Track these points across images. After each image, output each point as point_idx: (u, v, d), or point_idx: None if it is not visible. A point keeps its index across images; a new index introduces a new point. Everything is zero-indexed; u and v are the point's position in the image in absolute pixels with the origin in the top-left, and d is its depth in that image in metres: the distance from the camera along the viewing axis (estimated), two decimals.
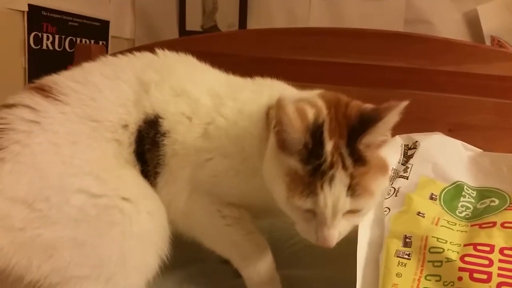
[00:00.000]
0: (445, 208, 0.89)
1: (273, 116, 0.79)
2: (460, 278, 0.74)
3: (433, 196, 0.91)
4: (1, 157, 0.78)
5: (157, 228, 0.87)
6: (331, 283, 0.79)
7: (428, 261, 0.78)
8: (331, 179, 0.73)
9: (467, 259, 0.76)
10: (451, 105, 1.38)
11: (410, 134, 1.03)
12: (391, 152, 1.00)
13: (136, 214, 0.84)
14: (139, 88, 0.91)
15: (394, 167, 0.98)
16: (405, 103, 0.74)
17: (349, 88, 1.45)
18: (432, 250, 0.79)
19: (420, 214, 0.85)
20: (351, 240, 0.86)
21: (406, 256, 0.80)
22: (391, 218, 0.87)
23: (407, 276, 0.78)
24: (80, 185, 0.80)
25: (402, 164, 0.99)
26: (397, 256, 0.80)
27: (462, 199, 0.90)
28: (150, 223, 0.86)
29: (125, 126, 0.89)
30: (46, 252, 0.78)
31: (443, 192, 0.92)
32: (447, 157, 0.98)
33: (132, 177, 0.89)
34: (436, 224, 0.84)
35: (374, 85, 1.43)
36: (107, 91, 0.90)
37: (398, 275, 0.78)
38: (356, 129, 0.75)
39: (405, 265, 0.79)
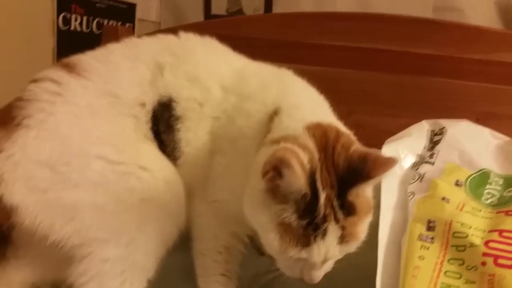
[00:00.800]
0: (471, 195, 0.88)
1: (265, 162, 0.72)
2: (483, 263, 0.74)
3: (459, 182, 0.90)
4: (27, 124, 0.83)
5: (175, 198, 0.89)
6: (351, 266, 0.79)
7: (452, 246, 0.78)
8: (324, 232, 0.72)
9: (491, 244, 0.76)
10: (479, 94, 1.36)
11: (438, 120, 1.02)
12: (416, 137, 1.00)
13: (153, 182, 0.86)
14: (155, 70, 0.94)
15: (420, 153, 0.98)
16: (396, 163, 0.74)
17: (375, 74, 1.45)
18: (456, 234, 0.79)
19: (444, 199, 0.85)
20: (372, 224, 0.87)
21: (429, 240, 0.80)
22: (415, 202, 0.87)
23: (429, 259, 0.78)
24: (99, 152, 0.84)
25: (428, 150, 0.99)
26: (420, 240, 0.80)
27: (488, 186, 0.90)
28: (168, 192, 0.88)
29: (142, 104, 0.91)
30: (68, 214, 0.82)
31: (469, 179, 0.91)
32: (474, 144, 0.97)
33: (151, 150, 0.91)
34: (461, 210, 0.83)
35: (401, 72, 1.42)
36: (126, 70, 0.93)
37: (421, 258, 0.78)
38: (344, 181, 0.73)
39: (428, 249, 0.79)
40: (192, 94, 0.92)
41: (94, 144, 0.85)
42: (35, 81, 0.89)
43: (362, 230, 0.76)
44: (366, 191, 0.77)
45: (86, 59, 0.94)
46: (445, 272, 0.76)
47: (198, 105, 0.93)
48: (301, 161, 0.71)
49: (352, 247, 0.76)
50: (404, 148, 0.97)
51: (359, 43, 1.43)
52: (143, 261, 0.86)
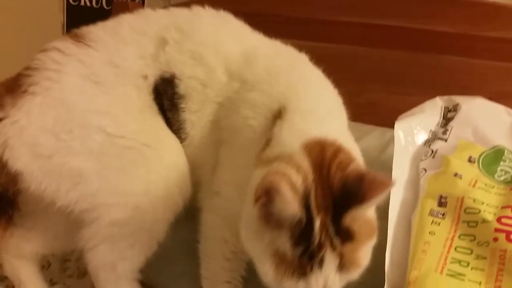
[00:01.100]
0: (484, 171, 0.87)
1: (256, 187, 0.66)
2: (495, 239, 0.73)
3: (472, 159, 0.89)
4: (33, 91, 0.85)
5: (180, 173, 0.90)
6: None
7: (463, 221, 0.77)
8: (321, 261, 0.67)
9: (504, 220, 0.75)
10: (493, 72, 1.32)
11: (452, 96, 1.00)
12: (429, 114, 0.98)
13: (156, 158, 0.87)
14: (159, 45, 0.93)
15: (433, 129, 0.96)
16: (393, 184, 0.67)
17: (387, 52, 1.43)
18: (467, 210, 0.78)
19: (457, 176, 0.84)
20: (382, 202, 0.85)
21: (441, 216, 0.79)
22: (427, 179, 0.86)
23: (440, 235, 0.77)
24: (99, 123, 0.85)
25: (441, 126, 0.97)
26: (431, 215, 0.80)
27: (501, 163, 0.88)
28: (172, 168, 0.89)
29: (145, 77, 0.91)
30: (73, 179, 0.84)
31: (482, 156, 0.89)
32: (489, 121, 0.96)
33: (155, 122, 0.91)
34: (473, 186, 0.82)
35: (414, 49, 1.38)
36: (132, 43, 0.93)
37: (431, 233, 0.77)
38: (339, 203, 0.66)
39: (439, 224, 0.78)
40: (195, 73, 0.91)
41: (95, 114, 0.86)
42: (43, 51, 0.90)
43: (363, 256, 0.70)
44: (366, 213, 0.70)
45: (95, 30, 0.94)
46: (456, 247, 0.76)
47: (201, 85, 0.90)
48: (293, 184, 0.65)
49: (354, 274, 0.70)
50: (417, 125, 0.95)
51: (372, 20, 1.40)
52: (151, 224, 0.87)
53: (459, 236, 0.76)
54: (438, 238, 0.77)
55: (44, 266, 1.12)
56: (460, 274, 0.72)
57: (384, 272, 0.78)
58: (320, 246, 0.66)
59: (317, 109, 0.83)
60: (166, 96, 0.91)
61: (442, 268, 0.73)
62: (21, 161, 0.83)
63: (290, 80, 0.87)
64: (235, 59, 0.92)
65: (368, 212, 0.70)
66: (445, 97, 1.00)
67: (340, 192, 0.67)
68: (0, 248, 1.03)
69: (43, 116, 0.83)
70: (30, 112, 0.83)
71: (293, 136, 0.75)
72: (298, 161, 0.69)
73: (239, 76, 0.90)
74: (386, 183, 0.66)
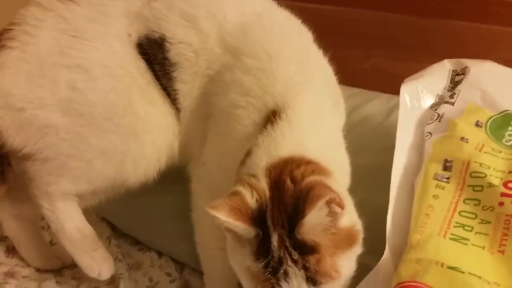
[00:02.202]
0: (491, 136, 0.84)
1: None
2: (501, 203, 0.71)
3: (479, 123, 0.86)
4: (11, 45, 0.86)
5: (151, 140, 0.90)
6: (361, 206, 0.77)
7: (468, 186, 0.76)
8: (285, 275, 0.67)
9: (511, 185, 0.73)
10: (504, 39, 1.29)
11: (461, 59, 0.97)
12: (436, 77, 0.95)
13: (123, 119, 0.87)
14: (146, 0, 0.90)
15: (440, 93, 0.93)
16: (325, 199, 0.64)
17: (394, 16, 1.38)
18: (473, 174, 0.76)
19: (463, 140, 0.81)
20: (383, 164, 0.83)
21: (445, 180, 0.77)
22: (432, 142, 0.84)
23: (444, 199, 0.75)
24: (68, 78, 0.85)
25: (448, 90, 0.94)
26: (436, 179, 0.78)
27: (510, 128, 0.85)
28: (144, 129, 0.89)
29: (129, 35, 0.89)
30: (42, 130, 0.86)
31: (490, 120, 0.87)
32: (498, 85, 0.92)
33: (137, 80, 0.88)
34: (480, 150, 0.80)
35: (422, 14, 1.35)
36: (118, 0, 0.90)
37: (435, 197, 0.75)
38: (292, 218, 0.66)
39: (443, 188, 0.76)
40: (187, 38, 0.86)
41: (66, 67, 0.86)
42: (26, 6, 0.90)
43: (340, 265, 0.68)
44: (337, 222, 0.68)
45: None
46: (460, 212, 0.74)
47: (193, 54, 0.86)
48: (243, 203, 0.67)
49: (332, 285, 0.68)
50: (424, 88, 0.93)
51: None
52: (101, 181, 0.90)
53: (463, 201, 0.74)
54: (442, 202, 0.75)
55: (44, 227, 1.12)
56: (464, 239, 0.71)
57: (385, 237, 0.76)
58: (281, 261, 0.66)
59: (310, 115, 0.80)
60: (156, 61, 0.88)
61: (445, 232, 0.72)
62: None
63: (291, 77, 0.82)
64: (232, 29, 0.86)
65: (342, 220, 0.69)
66: (454, 60, 0.97)
67: (292, 207, 0.67)
68: None
69: (17, 70, 0.85)
70: (5, 66, 0.85)
71: (262, 158, 0.75)
72: (254, 181, 0.70)
73: (234, 50, 0.84)
74: (320, 195, 0.63)
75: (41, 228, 1.12)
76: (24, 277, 1.04)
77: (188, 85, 0.88)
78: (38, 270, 1.06)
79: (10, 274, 1.04)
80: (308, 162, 0.72)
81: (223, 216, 0.65)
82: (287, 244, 0.67)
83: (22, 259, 1.07)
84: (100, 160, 0.88)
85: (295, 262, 0.66)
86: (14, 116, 0.85)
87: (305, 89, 0.82)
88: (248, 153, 0.78)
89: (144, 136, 0.89)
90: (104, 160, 0.89)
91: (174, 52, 0.87)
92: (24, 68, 0.85)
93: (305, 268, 0.66)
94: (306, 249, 0.66)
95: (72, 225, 0.93)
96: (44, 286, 1.01)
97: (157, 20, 0.87)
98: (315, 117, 0.81)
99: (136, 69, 0.88)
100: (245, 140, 0.81)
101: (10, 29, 0.88)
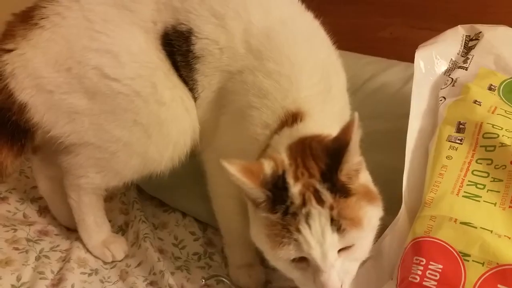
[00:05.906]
0: (504, 99, 0.86)
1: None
2: None
3: (492, 87, 0.88)
4: (42, 25, 0.88)
5: (168, 131, 0.91)
6: (377, 166, 0.80)
7: (481, 146, 0.78)
8: (307, 217, 0.68)
9: None
10: None
11: (474, 25, 0.98)
12: (450, 42, 0.96)
13: (145, 109, 0.89)
14: None
15: (453, 58, 0.95)
16: (357, 116, 0.67)
17: None
18: (486, 135, 0.79)
19: (476, 102, 0.84)
20: (400, 129, 0.86)
21: (458, 141, 0.80)
22: (446, 106, 0.86)
23: (457, 159, 0.78)
24: (97, 62, 0.87)
25: (461, 55, 0.96)
26: (449, 141, 0.81)
27: None
28: (166, 117, 0.90)
29: (155, 23, 0.90)
30: (69, 116, 0.89)
31: (503, 84, 0.88)
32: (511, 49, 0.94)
33: (160, 67, 0.89)
34: (493, 113, 0.82)
35: None
36: None
37: (449, 157, 0.78)
38: (329, 165, 0.70)
39: (456, 149, 0.79)
40: (215, 34, 0.86)
41: (95, 51, 0.87)
42: None
43: (360, 213, 0.69)
44: (357, 173, 0.71)
45: None
46: (473, 171, 0.77)
47: (218, 51, 0.87)
48: (258, 168, 0.71)
49: (354, 236, 0.68)
50: (437, 54, 0.94)
51: None
52: (122, 169, 0.94)
53: (476, 160, 0.77)
54: (455, 162, 0.78)
55: None
56: (476, 196, 0.74)
57: (400, 197, 0.80)
58: (304, 203, 0.69)
59: (328, 116, 0.83)
60: (180, 51, 0.88)
61: (459, 190, 0.75)
62: (25, 92, 0.88)
63: (315, 85, 0.83)
64: (256, 33, 0.86)
65: (361, 176, 0.73)
66: (467, 26, 0.98)
67: (326, 157, 0.71)
68: (34, 168, 1.10)
69: (48, 51, 0.87)
70: (37, 46, 0.87)
71: (285, 140, 0.78)
72: (275, 154, 0.75)
73: (258, 53, 0.85)
74: (350, 121, 0.68)
75: None
76: (56, 235, 1.10)
77: (208, 78, 0.89)
78: (68, 229, 1.11)
79: (44, 232, 1.09)
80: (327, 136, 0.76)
81: (234, 171, 0.68)
82: (318, 187, 0.69)
83: (54, 218, 1.12)
84: (124, 151, 0.91)
85: (322, 202, 0.68)
86: (44, 97, 0.88)
87: (327, 96, 0.85)
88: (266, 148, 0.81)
89: (169, 123, 0.90)
90: (128, 152, 0.91)
91: (199, 47, 0.87)
92: (54, 50, 0.87)
93: (331, 208, 0.68)
94: (340, 191, 0.69)
95: (92, 218, 1.03)
96: (75, 244, 1.05)
97: (187, 13, 0.87)
98: (331, 118, 0.83)
99: (157, 56, 0.89)
100: (253, 139, 0.84)
101: (43, 7, 0.89)
